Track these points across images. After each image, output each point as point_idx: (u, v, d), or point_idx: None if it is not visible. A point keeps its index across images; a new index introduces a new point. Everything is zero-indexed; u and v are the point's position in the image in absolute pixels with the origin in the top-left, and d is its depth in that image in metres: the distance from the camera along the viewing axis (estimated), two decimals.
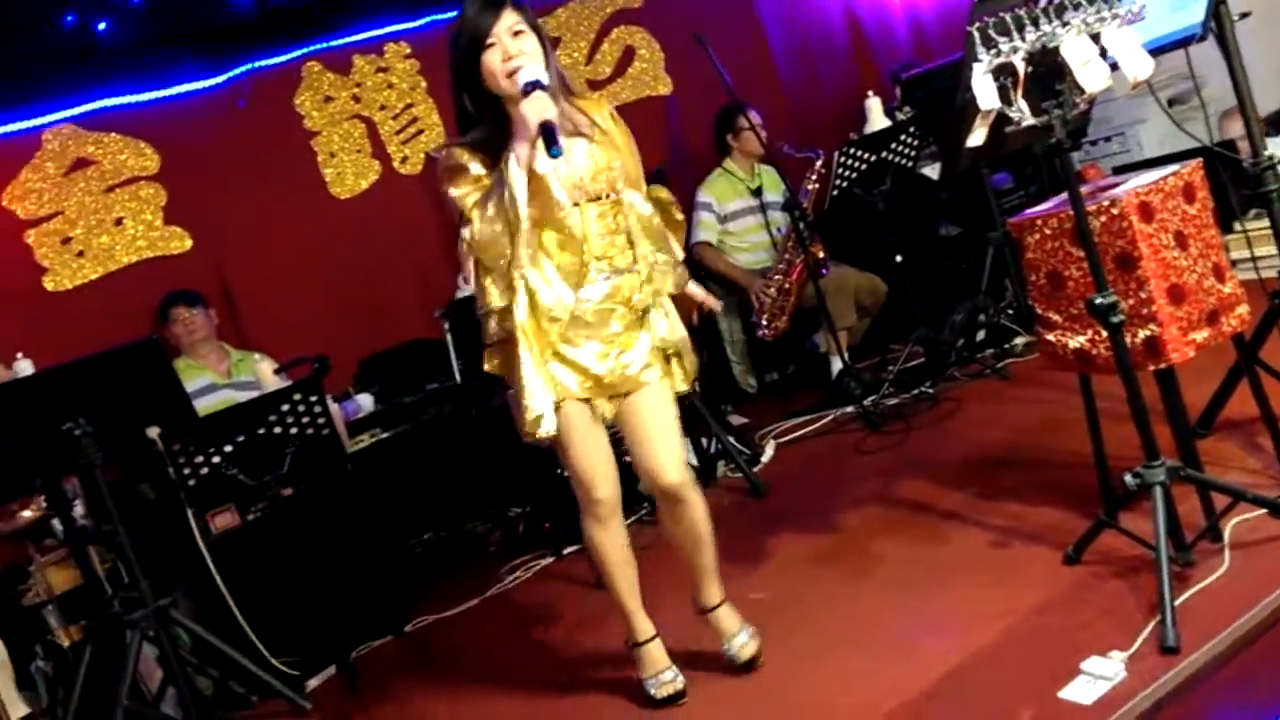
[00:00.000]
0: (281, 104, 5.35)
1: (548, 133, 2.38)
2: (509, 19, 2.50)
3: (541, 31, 2.57)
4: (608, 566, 2.78)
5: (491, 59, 2.49)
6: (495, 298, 2.59)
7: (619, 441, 2.76)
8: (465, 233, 2.54)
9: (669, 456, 2.70)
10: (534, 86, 2.44)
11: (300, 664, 3.75)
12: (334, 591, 3.79)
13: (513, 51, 2.48)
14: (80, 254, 4.99)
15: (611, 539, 2.75)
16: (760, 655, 2.80)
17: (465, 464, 4.83)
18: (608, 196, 2.63)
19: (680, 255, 2.80)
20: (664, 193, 2.86)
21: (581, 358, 2.62)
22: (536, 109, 2.41)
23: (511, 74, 2.47)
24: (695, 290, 3.00)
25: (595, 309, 2.62)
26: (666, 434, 2.72)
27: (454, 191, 2.56)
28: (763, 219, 5.40)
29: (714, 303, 3.18)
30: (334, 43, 5.45)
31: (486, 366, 2.73)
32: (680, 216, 2.90)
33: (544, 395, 2.58)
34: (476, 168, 2.55)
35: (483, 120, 2.57)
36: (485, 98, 2.55)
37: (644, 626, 2.82)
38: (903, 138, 4.86)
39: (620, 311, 2.65)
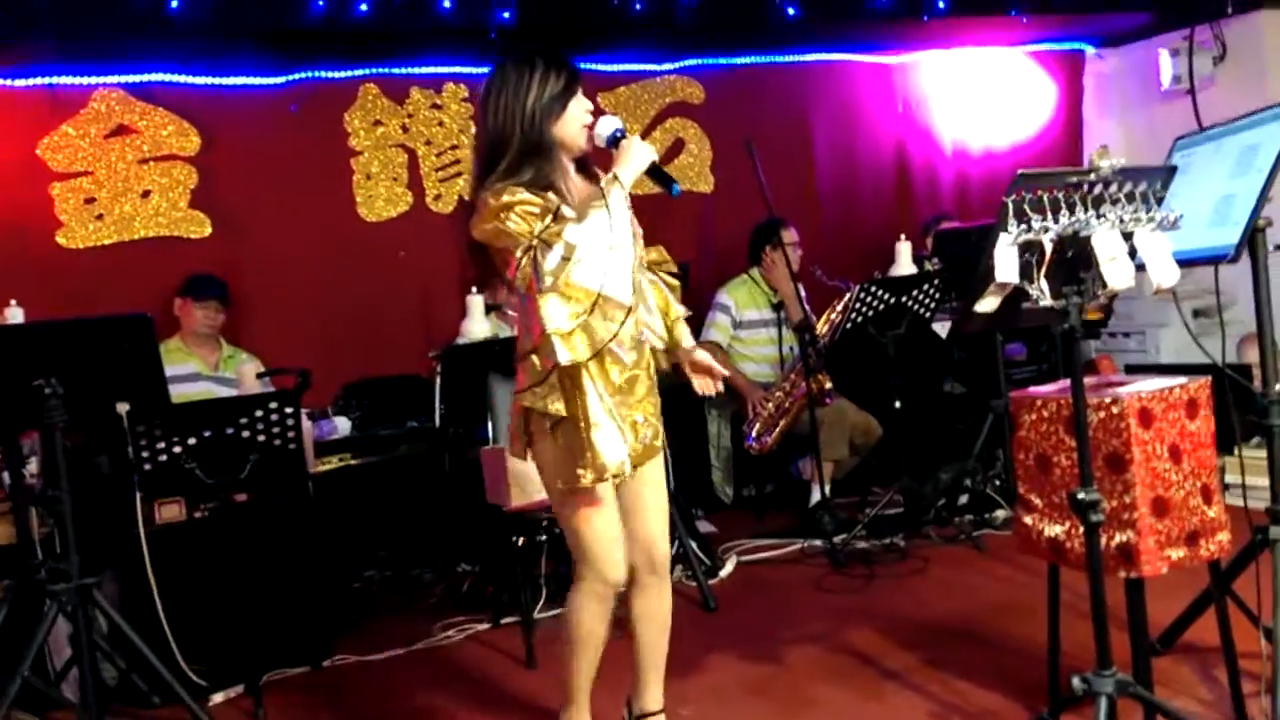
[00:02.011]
0: (332, 118, 5.41)
1: (663, 173, 2.53)
2: None
3: None
4: (585, 644, 2.67)
5: (579, 104, 2.54)
6: (564, 320, 2.40)
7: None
8: (559, 246, 2.35)
9: (664, 528, 2.70)
10: (623, 135, 2.55)
11: (209, 674, 3.65)
12: (259, 608, 3.70)
13: (588, 107, 2.57)
14: (99, 217, 5.00)
15: (604, 619, 2.66)
16: None
17: (425, 509, 4.76)
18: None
19: (684, 313, 2.77)
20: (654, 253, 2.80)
21: (627, 428, 2.56)
22: (646, 151, 2.51)
23: (588, 125, 2.54)
24: (705, 357, 2.84)
25: (628, 375, 2.59)
26: (665, 505, 2.73)
27: (521, 208, 2.40)
28: (776, 334, 5.40)
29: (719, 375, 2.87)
30: (396, 70, 5.52)
31: (531, 403, 2.52)
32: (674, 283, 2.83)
33: (618, 436, 2.50)
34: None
35: (527, 162, 2.48)
36: (537, 143, 2.49)
37: (586, 717, 2.76)
38: (926, 287, 4.87)
39: (643, 377, 2.63)
